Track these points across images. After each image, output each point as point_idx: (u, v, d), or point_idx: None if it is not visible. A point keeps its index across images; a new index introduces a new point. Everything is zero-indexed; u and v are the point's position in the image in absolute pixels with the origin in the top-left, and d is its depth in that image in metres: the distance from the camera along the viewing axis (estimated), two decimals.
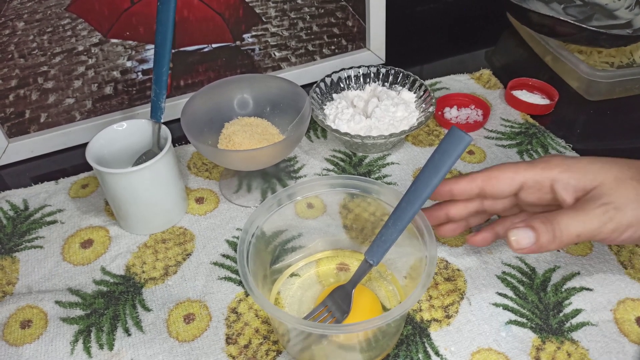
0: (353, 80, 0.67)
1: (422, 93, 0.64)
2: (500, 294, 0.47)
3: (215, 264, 0.51)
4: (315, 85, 0.65)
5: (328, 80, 0.66)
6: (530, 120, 0.67)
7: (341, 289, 0.42)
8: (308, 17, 0.71)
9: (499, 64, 0.79)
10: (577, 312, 0.46)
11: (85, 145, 0.51)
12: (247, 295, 0.48)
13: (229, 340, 0.45)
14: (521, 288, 0.48)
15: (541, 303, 0.46)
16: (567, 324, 0.45)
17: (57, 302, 0.48)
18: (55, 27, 0.59)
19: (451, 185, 0.44)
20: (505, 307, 0.46)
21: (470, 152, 0.63)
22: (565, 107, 0.69)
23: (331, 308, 0.42)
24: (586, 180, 0.39)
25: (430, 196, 0.39)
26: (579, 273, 0.49)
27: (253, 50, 0.70)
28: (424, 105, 0.63)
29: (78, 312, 0.47)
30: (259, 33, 0.69)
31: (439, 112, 0.68)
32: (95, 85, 0.65)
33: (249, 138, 0.55)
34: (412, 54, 0.83)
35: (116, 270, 0.51)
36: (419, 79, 0.65)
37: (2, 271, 0.51)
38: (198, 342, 0.45)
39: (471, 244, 0.46)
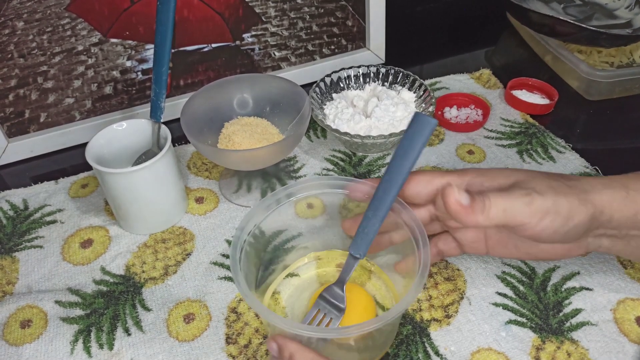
0: (353, 80, 0.67)
1: (422, 93, 0.64)
2: (500, 294, 0.47)
3: (215, 263, 0.51)
4: (315, 85, 0.65)
5: (328, 80, 0.66)
6: (530, 120, 0.67)
7: (332, 289, 0.42)
8: (308, 16, 0.71)
9: (499, 64, 0.79)
10: (577, 311, 0.46)
11: (85, 145, 0.51)
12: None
13: (229, 340, 0.45)
14: (521, 288, 0.48)
15: (541, 303, 0.46)
16: (567, 324, 0.45)
17: (57, 302, 0.48)
18: (55, 26, 0.59)
19: None
20: (505, 307, 0.46)
21: (470, 152, 0.63)
22: (565, 107, 0.69)
23: (325, 309, 0.42)
24: (500, 180, 0.41)
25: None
26: (578, 273, 0.49)
27: (253, 50, 0.70)
28: (423, 105, 0.63)
29: (78, 311, 0.47)
30: (259, 33, 0.69)
31: (439, 112, 0.68)
32: (95, 85, 0.65)
33: (248, 138, 0.55)
34: (412, 54, 0.83)
35: (116, 270, 0.51)
36: (418, 78, 0.65)
37: (2, 271, 0.51)
38: (198, 341, 0.45)
39: (399, 270, 0.46)
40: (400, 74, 0.66)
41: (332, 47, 0.75)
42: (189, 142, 0.65)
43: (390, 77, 0.67)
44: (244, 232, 0.42)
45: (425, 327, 0.45)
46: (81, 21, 0.60)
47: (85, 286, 0.50)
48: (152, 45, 0.63)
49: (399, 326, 0.45)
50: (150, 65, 0.65)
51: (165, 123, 0.54)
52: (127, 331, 0.46)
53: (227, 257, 0.52)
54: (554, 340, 0.44)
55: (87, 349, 0.45)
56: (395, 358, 0.43)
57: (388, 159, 0.62)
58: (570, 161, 0.61)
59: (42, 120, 0.64)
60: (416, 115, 0.38)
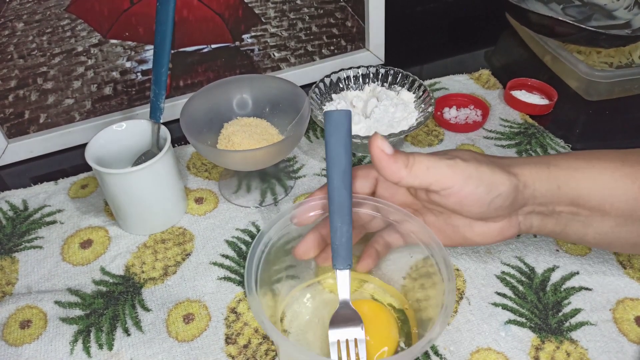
0: (352, 81, 0.67)
1: (421, 93, 0.64)
2: (499, 294, 0.47)
3: (215, 264, 0.51)
4: (314, 85, 0.65)
5: (327, 80, 0.66)
6: (530, 120, 0.67)
7: (339, 314, 0.40)
8: (307, 17, 0.71)
9: (498, 64, 0.79)
10: (576, 311, 0.46)
11: (84, 145, 0.51)
12: (246, 295, 0.48)
13: (228, 340, 0.45)
14: (520, 288, 0.48)
15: (540, 303, 0.46)
16: (566, 324, 0.45)
17: (56, 302, 0.48)
18: (55, 27, 0.60)
19: None
20: (505, 307, 0.46)
21: None
22: (564, 107, 0.69)
23: (343, 335, 0.39)
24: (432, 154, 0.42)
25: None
26: (578, 273, 0.49)
27: (252, 50, 0.70)
28: (423, 106, 0.63)
29: (77, 312, 0.47)
30: (259, 33, 0.69)
31: (438, 113, 0.68)
32: (95, 85, 0.65)
33: (248, 138, 0.55)
34: (412, 54, 0.83)
35: (116, 271, 0.51)
36: (418, 79, 0.65)
37: (2, 271, 0.51)
38: (197, 342, 0.45)
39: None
40: (400, 74, 0.66)
41: (332, 47, 0.75)
42: (189, 143, 0.65)
43: (390, 78, 0.67)
44: (263, 241, 0.40)
45: (424, 327, 0.45)
46: (81, 22, 0.60)
47: (84, 286, 0.50)
48: (152, 46, 0.63)
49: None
50: (149, 66, 0.65)
51: (164, 124, 0.54)
52: (126, 331, 0.46)
53: (227, 257, 0.52)
54: (553, 340, 0.44)
55: (87, 349, 0.45)
56: None
57: None
58: None
59: (41, 121, 0.64)
60: (328, 114, 0.38)
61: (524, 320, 0.45)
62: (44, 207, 0.58)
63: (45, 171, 0.64)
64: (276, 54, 0.72)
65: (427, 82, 0.73)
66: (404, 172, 0.38)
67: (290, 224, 0.42)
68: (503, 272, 0.49)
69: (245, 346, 0.44)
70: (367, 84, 0.67)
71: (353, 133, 0.59)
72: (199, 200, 0.58)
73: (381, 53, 0.77)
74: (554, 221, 0.42)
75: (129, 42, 0.63)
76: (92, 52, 0.62)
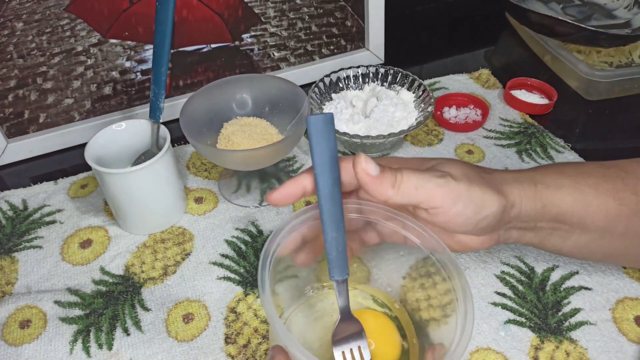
0: (352, 80, 0.67)
1: (421, 93, 0.64)
2: (499, 293, 0.47)
3: (215, 263, 0.51)
4: (314, 85, 0.65)
5: (327, 80, 0.66)
6: (529, 120, 0.67)
7: (340, 325, 0.38)
8: (307, 17, 0.71)
9: (498, 64, 0.79)
10: (575, 311, 0.46)
11: (84, 145, 0.51)
12: (246, 295, 0.48)
13: (228, 339, 0.45)
14: (520, 287, 0.48)
15: (540, 302, 0.46)
16: (566, 323, 0.45)
17: (56, 302, 0.48)
18: (54, 27, 0.60)
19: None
20: (504, 307, 0.46)
21: (469, 152, 0.63)
22: (564, 107, 0.69)
23: (347, 345, 0.38)
24: (422, 164, 0.41)
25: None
26: (577, 272, 0.49)
27: (252, 50, 0.70)
28: (422, 105, 0.63)
29: (77, 312, 0.47)
30: (258, 33, 0.69)
31: (438, 112, 0.68)
32: (94, 85, 0.65)
33: (247, 138, 0.55)
34: (411, 54, 0.83)
35: (115, 270, 0.51)
36: (417, 78, 0.65)
37: (2, 271, 0.51)
38: (197, 341, 0.45)
39: None
40: (400, 74, 0.66)
41: (331, 47, 0.75)
42: (188, 143, 0.65)
43: (390, 78, 0.67)
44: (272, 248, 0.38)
45: (424, 327, 0.45)
46: (80, 22, 0.60)
47: (84, 286, 0.50)
48: (152, 46, 0.63)
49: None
50: (149, 65, 0.65)
51: (164, 123, 0.54)
52: (126, 331, 0.46)
53: (227, 257, 0.52)
54: (553, 339, 0.44)
55: (87, 349, 0.45)
56: None
57: None
58: (569, 161, 0.61)
59: (41, 120, 0.64)
60: (308, 120, 0.36)
61: (523, 320, 0.45)
62: (44, 207, 0.58)
63: (45, 171, 0.64)
64: (276, 54, 0.72)
65: (426, 82, 0.73)
66: (390, 192, 0.37)
67: (300, 226, 0.41)
68: (503, 272, 0.49)
69: (245, 346, 0.44)
70: (366, 84, 0.67)
71: (352, 133, 0.59)
72: (198, 200, 0.58)
73: (381, 53, 0.77)
74: (533, 234, 0.42)
75: (129, 42, 0.63)
76: (91, 51, 0.62)
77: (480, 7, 0.92)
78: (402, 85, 0.66)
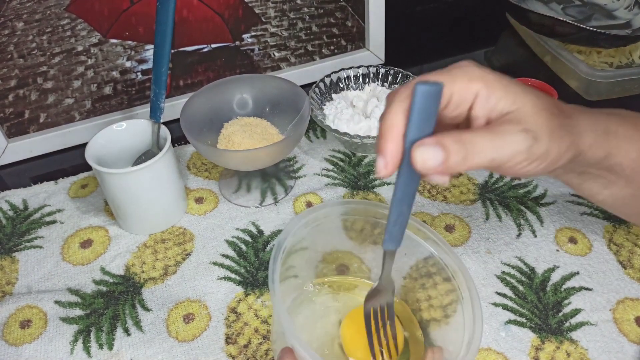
0: (352, 81, 0.67)
1: None
2: (499, 294, 0.47)
3: (215, 263, 0.51)
4: (314, 85, 0.65)
5: (327, 80, 0.66)
6: None
7: (377, 290, 0.39)
8: (307, 17, 0.71)
9: (499, 64, 0.79)
10: (576, 311, 0.46)
11: (84, 145, 0.51)
12: (246, 295, 0.48)
13: (228, 340, 0.45)
14: (520, 288, 0.48)
15: (540, 303, 0.46)
16: (567, 324, 0.45)
17: (56, 302, 0.48)
18: (55, 27, 0.60)
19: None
20: (505, 307, 0.46)
21: None
22: None
23: (378, 304, 0.39)
24: (506, 101, 0.34)
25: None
26: (578, 273, 0.49)
27: (252, 50, 0.70)
28: None
29: (77, 312, 0.47)
30: (259, 33, 0.69)
31: None
32: (95, 85, 0.65)
33: (248, 138, 0.55)
34: (412, 54, 0.83)
35: (116, 270, 0.51)
36: None
37: (2, 271, 0.51)
38: (198, 341, 0.45)
39: None
40: (400, 74, 0.66)
41: (332, 47, 0.75)
42: (189, 143, 0.65)
43: (390, 78, 0.67)
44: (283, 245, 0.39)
45: (424, 327, 0.45)
46: (81, 22, 0.60)
47: (84, 286, 0.50)
48: (152, 46, 0.63)
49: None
50: (149, 65, 0.65)
51: (165, 123, 0.54)
52: (126, 331, 0.46)
53: (227, 257, 0.52)
54: (553, 340, 0.44)
55: (87, 349, 0.45)
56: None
57: None
58: None
59: (41, 120, 0.64)
60: (418, 87, 0.30)
61: (524, 320, 0.45)
62: (44, 207, 0.58)
63: (45, 171, 0.64)
64: (276, 54, 0.72)
65: None
66: (461, 167, 0.32)
67: (312, 223, 0.41)
68: (503, 272, 0.49)
69: (246, 346, 0.44)
70: (367, 84, 0.67)
71: (352, 133, 0.59)
72: (199, 200, 0.58)
73: (381, 53, 0.77)
74: (576, 176, 0.40)
75: (129, 42, 0.63)
76: (92, 51, 0.62)
77: (480, 7, 0.92)
78: None
